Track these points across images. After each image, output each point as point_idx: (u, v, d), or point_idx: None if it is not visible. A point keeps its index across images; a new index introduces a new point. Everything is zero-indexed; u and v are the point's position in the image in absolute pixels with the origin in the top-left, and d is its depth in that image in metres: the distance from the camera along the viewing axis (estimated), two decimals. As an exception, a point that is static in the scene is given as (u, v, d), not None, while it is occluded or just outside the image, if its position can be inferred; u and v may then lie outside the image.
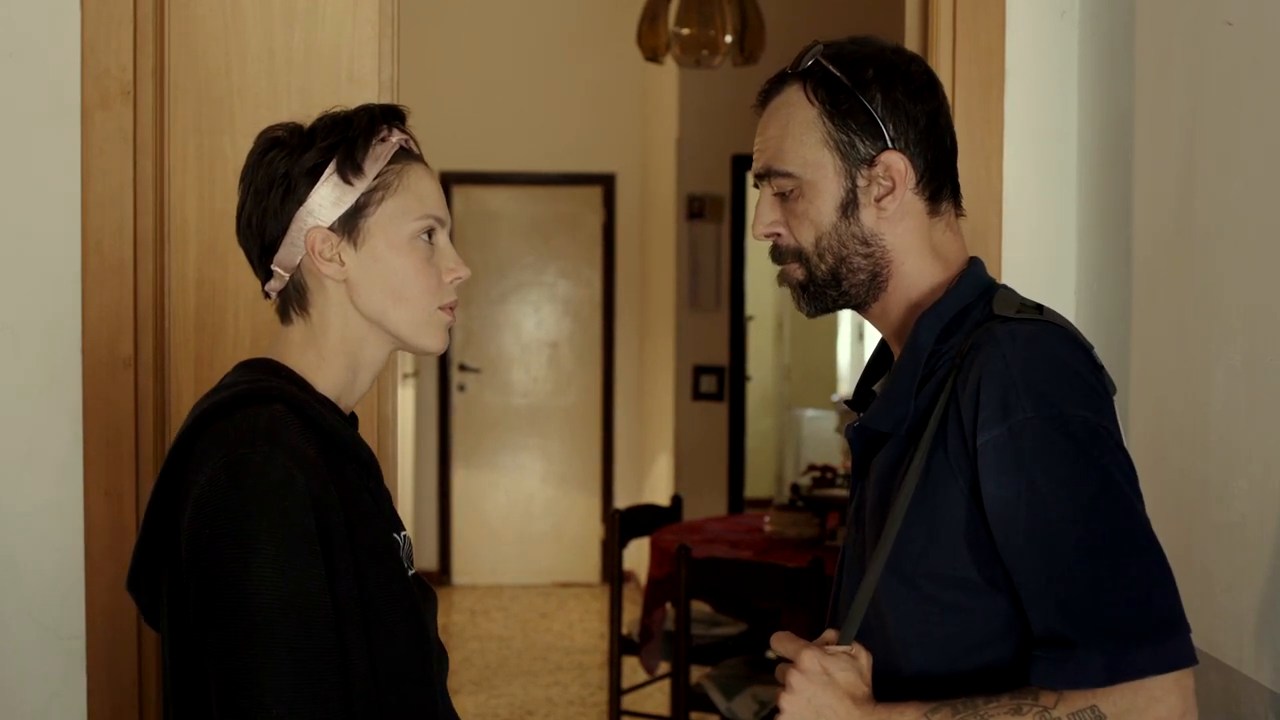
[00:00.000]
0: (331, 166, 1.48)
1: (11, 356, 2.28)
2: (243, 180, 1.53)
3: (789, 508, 4.52)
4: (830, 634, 1.43)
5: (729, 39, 5.05)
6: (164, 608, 1.46)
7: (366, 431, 2.32)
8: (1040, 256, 2.35)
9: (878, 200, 1.45)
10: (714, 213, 6.67)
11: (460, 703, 5.46)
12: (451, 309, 1.56)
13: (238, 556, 1.34)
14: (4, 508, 2.28)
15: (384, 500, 1.53)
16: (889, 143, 1.44)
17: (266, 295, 1.55)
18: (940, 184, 1.48)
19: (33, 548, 2.28)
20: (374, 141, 1.50)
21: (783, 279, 1.53)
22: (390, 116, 1.54)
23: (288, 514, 1.35)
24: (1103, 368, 1.41)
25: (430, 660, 1.51)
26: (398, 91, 2.35)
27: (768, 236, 1.51)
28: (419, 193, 1.52)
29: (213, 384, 2.30)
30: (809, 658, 1.36)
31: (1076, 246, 2.38)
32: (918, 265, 1.48)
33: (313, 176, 1.48)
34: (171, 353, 2.32)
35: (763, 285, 8.94)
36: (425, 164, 1.57)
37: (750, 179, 1.52)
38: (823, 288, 1.48)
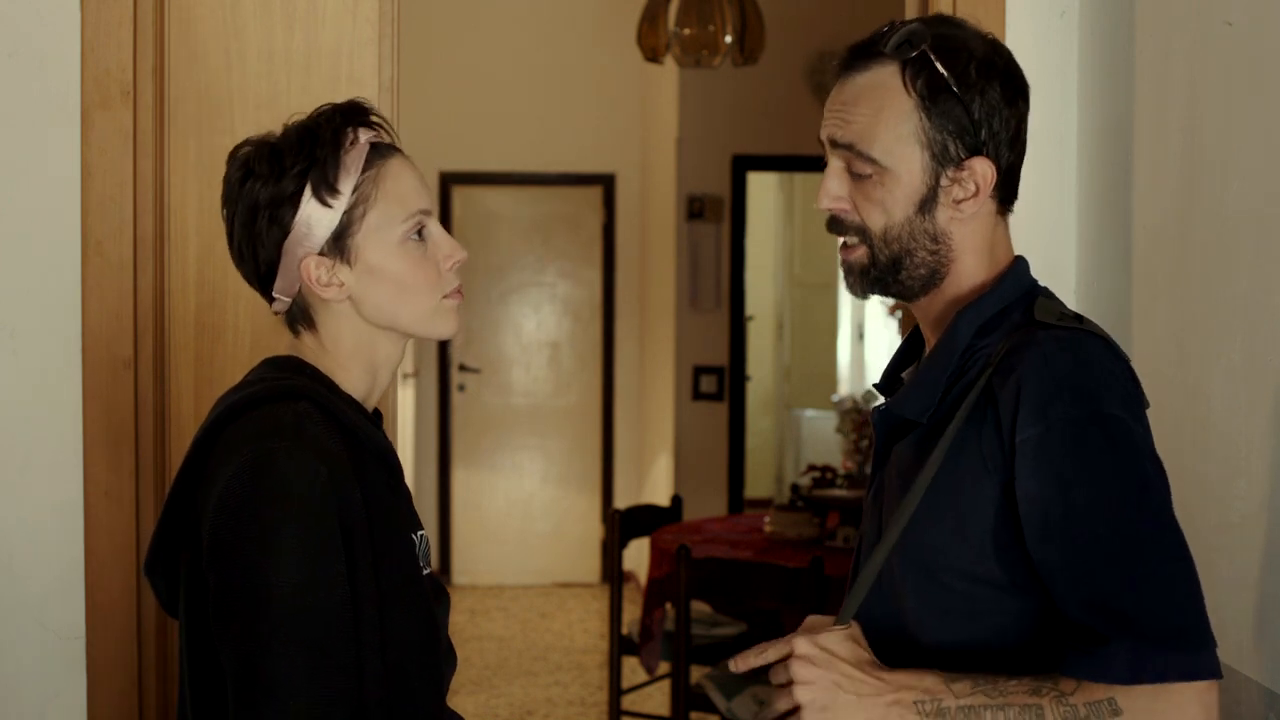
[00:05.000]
0: (307, 191, 1.47)
1: (11, 356, 2.28)
2: (225, 205, 1.53)
3: (789, 508, 4.52)
4: (813, 619, 1.41)
5: (729, 39, 5.05)
6: (182, 596, 1.48)
7: (366, 431, 2.32)
8: (1040, 257, 2.34)
9: (957, 202, 1.44)
10: (714, 213, 6.66)
11: (460, 703, 5.46)
12: (458, 292, 1.56)
13: (259, 551, 1.36)
14: (4, 508, 2.28)
15: (404, 499, 1.55)
16: (980, 147, 1.42)
17: (274, 311, 1.56)
18: (1012, 188, 1.48)
19: (33, 548, 2.28)
20: (342, 153, 1.49)
21: (844, 261, 1.50)
22: (353, 118, 1.52)
23: (310, 511, 1.37)
24: (1138, 381, 1.41)
25: (440, 660, 1.52)
26: (398, 91, 2.36)
27: (831, 210, 1.48)
28: (399, 193, 1.51)
29: (213, 384, 2.32)
30: (803, 643, 1.34)
31: (1076, 246, 2.38)
32: (974, 264, 1.47)
33: (292, 203, 1.47)
34: (171, 353, 2.32)
35: (763, 285, 8.96)
36: (400, 153, 1.55)
37: (823, 141, 1.48)
38: (882, 274, 1.47)
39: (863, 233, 1.46)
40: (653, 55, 5.17)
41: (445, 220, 7.44)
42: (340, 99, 1.56)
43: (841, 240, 1.49)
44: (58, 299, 2.28)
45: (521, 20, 7.44)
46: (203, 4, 2.32)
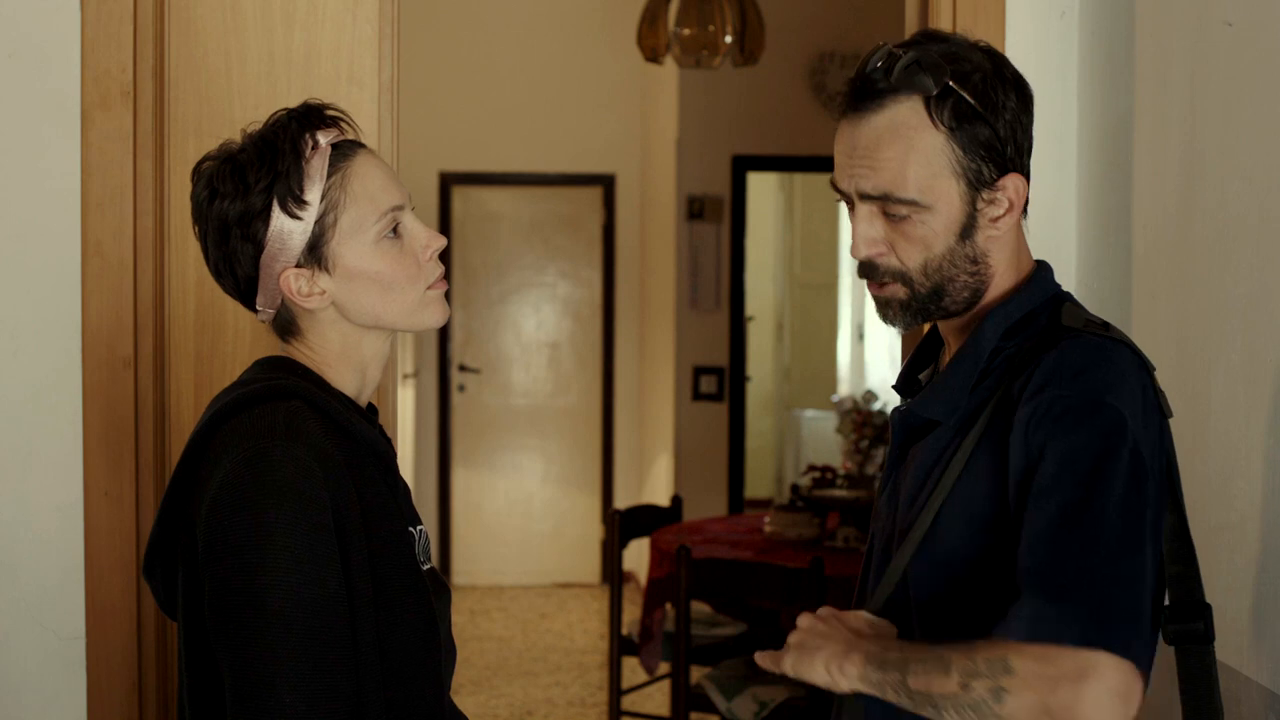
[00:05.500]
0: (275, 206, 1.46)
1: (11, 356, 2.27)
2: (196, 223, 1.52)
3: (789, 508, 4.52)
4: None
5: (729, 39, 5.05)
6: (179, 595, 1.48)
7: (366, 432, 2.31)
8: (1040, 257, 2.34)
9: (994, 221, 1.43)
10: (714, 213, 6.66)
11: (460, 703, 5.46)
12: (442, 279, 1.55)
13: (255, 550, 1.36)
14: (4, 508, 2.28)
15: (401, 494, 1.55)
16: (1009, 164, 1.42)
17: (260, 320, 1.56)
18: (1029, 194, 1.48)
19: (33, 548, 2.28)
20: (304, 161, 1.47)
21: (878, 296, 1.47)
22: (309, 123, 1.49)
23: (305, 508, 1.37)
24: (1161, 392, 1.40)
25: (439, 656, 1.52)
26: (398, 91, 2.35)
27: (869, 257, 1.45)
28: (369, 193, 1.49)
29: (213, 384, 2.32)
30: (805, 616, 1.40)
31: (1076, 246, 2.38)
32: (1004, 274, 1.47)
33: (262, 219, 1.46)
34: (171, 353, 2.32)
35: (763, 285, 8.96)
36: (364, 148, 1.53)
37: (850, 195, 1.43)
38: (924, 304, 1.45)
39: (901, 275, 1.44)
40: (653, 56, 5.17)
41: (445, 220, 7.44)
42: (340, 100, 1.55)
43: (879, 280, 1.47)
44: (58, 299, 2.28)
45: (521, 20, 7.44)
46: (203, 4, 2.32)
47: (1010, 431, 1.35)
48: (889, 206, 1.42)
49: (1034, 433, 1.33)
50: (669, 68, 6.29)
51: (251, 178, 1.46)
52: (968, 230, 1.43)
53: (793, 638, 1.40)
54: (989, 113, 1.40)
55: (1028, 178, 1.46)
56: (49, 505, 2.28)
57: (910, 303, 1.45)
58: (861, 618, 1.41)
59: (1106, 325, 1.42)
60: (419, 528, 1.57)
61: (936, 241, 1.42)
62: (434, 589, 1.54)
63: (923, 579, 1.42)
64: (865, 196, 1.43)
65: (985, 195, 1.42)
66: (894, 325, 1.48)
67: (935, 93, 1.39)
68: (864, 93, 1.42)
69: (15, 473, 2.28)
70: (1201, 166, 1.87)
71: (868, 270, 1.46)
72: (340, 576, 1.39)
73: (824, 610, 1.42)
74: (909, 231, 1.42)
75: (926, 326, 1.60)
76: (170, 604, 1.53)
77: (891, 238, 1.43)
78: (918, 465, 1.47)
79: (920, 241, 1.42)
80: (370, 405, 1.59)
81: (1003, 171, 1.42)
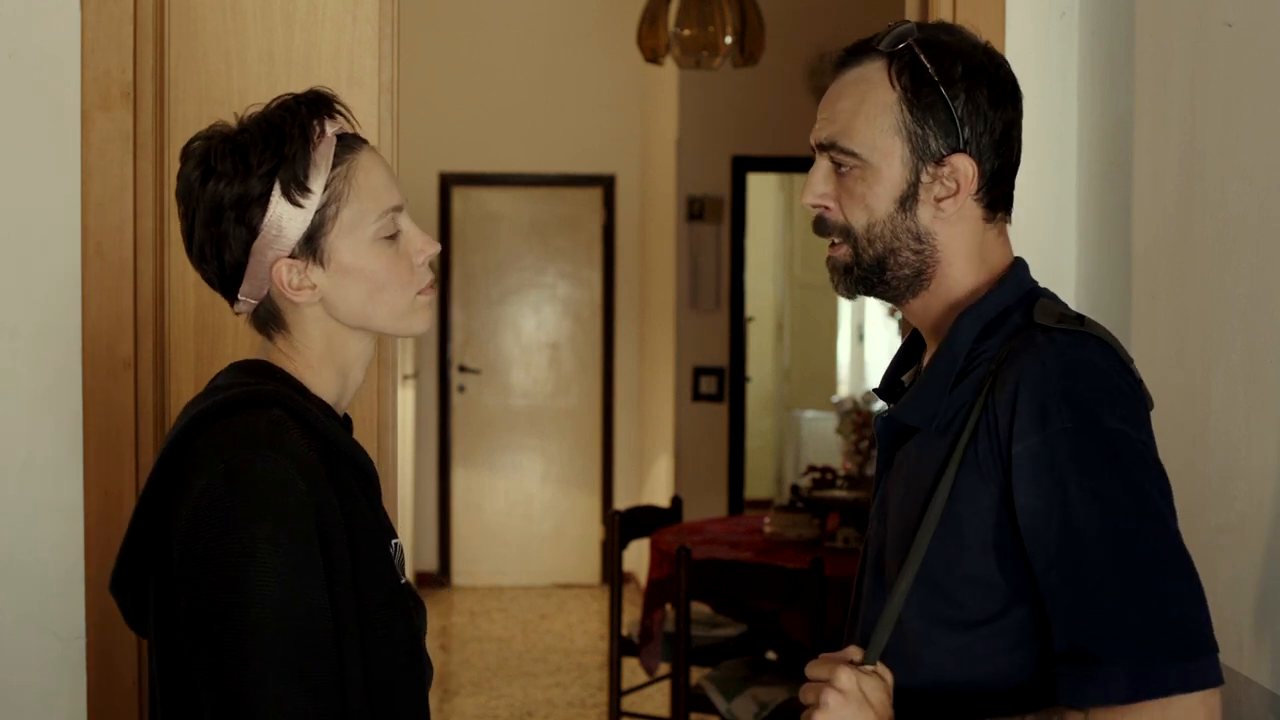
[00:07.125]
0: (276, 191, 1.40)
1: (11, 357, 2.27)
2: (183, 203, 1.45)
3: (789, 509, 4.52)
4: (854, 652, 1.38)
5: (729, 39, 5.06)
6: (151, 612, 1.43)
7: (366, 434, 2.31)
8: (1040, 257, 2.34)
9: (938, 200, 1.43)
10: (714, 214, 6.67)
11: (460, 704, 5.46)
12: (430, 287, 1.51)
13: (237, 563, 1.30)
14: (4, 508, 2.28)
15: (380, 507, 1.51)
16: (961, 145, 1.42)
17: (236, 312, 1.50)
18: (1000, 193, 1.46)
19: (33, 548, 2.28)
20: (312, 149, 1.42)
21: (828, 258, 1.50)
22: (318, 110, 1.45)
23: (289, 521, 1.32)
24: (1141, 381, 1.40)
25: (422, 673, 1.49)
26: (398, 91, 2.36)
27: (815, 207, 1.48)
28: (372, 189, 1.45)
29: (213, 384, 2.31)
30: (846, 677, 1.32)
31: (1076, 246, 2.38)
32: (963, 269, 1.46)
33: (260, 205, 1.41)
34: (171, 353, 2.32)
35: (763, 286, 8.97)
36: (367, 145, 1.49)
37: (813, 146, 1.48)
38: (867, 273, 1.46)
39: (847, 233, 1.46)
40: (653, 56, 5.17)
41: (445, 220, 7.44)
42: (340, 99, 1.52)
43: (830, 240, 1.49)
44: (58, 299, 2.28)
45: (522, 21, 7.44)
46: (203, 4, 2.32)
47: (1008, 459, 1.33)
48: (836, 156, 1.45)
49: (1041, 473, 1.31)
50: (669, 68, 6.30)
51: (254, 159, 1.40)
52: (909, 201, 1.43)
53: (817, 717, 1.31)
54: (946, 87, 1.41)
55: (986, 172, 1.43)
56: (49, 506, 2.28)
57: (854, 267, 1.47)
58: (873, 683, 1.33)
59: (1081, 319, 1.40)
60: (395, 541, 1.51)
61: (878, 204, 1.43)
62: (412, 603, 1.50)
63: (910, 591, 1.39)
64: (820, 146, 1.47)
65: (930, 169, 1.42)
66: (840, 292, 1.50)
67: (899, 48, 1.42)
68: (848, 54, 1.47)
69: (15, 474, 2.28)
70: (1201, 166, 1.87)
71: (819, 226, 1.49)
72: (324, 591, 1.33)
73: (846, 679, 1.31)
74: (852, 187, 1.44)
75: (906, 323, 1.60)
76: (139, 621, 1.47)
77: (838, 193, 1.46)
78: (905, 474, 1.45)
79: (862, 201, 1.44)
80: (345, 416, 1.54)
81: (953, 151, 1.42)
